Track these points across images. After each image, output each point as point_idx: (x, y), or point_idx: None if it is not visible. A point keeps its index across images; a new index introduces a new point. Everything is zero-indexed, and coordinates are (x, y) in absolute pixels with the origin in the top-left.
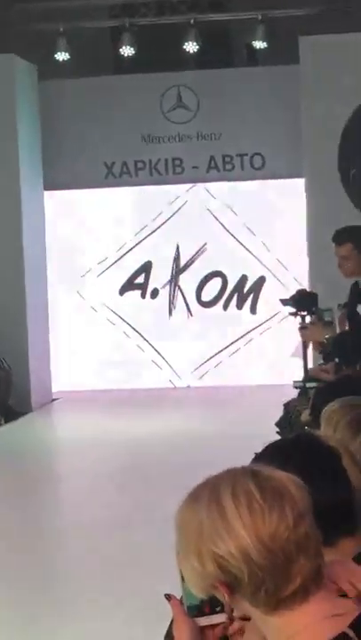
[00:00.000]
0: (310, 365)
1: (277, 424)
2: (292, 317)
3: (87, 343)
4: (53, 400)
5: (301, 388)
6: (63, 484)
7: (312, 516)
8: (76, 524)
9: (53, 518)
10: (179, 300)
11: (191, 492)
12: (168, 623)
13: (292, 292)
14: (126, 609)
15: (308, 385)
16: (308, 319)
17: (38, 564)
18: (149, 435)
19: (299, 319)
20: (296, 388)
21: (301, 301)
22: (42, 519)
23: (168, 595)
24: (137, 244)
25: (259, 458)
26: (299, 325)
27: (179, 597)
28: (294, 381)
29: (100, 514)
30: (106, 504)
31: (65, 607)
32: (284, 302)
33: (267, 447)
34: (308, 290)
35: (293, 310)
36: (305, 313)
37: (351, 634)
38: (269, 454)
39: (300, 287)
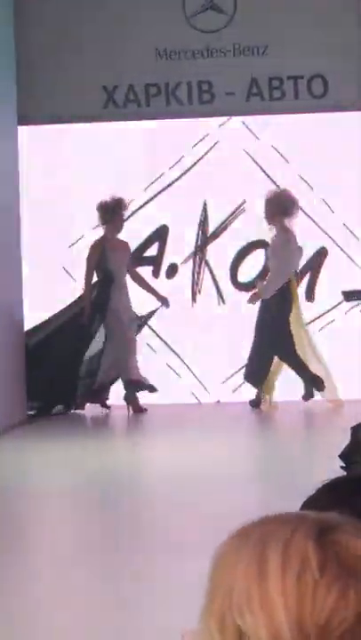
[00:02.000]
0: None
1: (342, 455)
2: None
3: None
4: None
5: None
6: (39, 542)
7: None
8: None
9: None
10: (206, 281)
11: (237, 531)
12: None
13: None
14: None
15: None
16: None
17: None
18: (162, 473)
19: None
20: None
21: None
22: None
23: None
24: (148, 202)
25: (307, 505)
26: None
27: None
28: None
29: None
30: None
31: None
32: (349, 296)
33: (320, 488)
34: None
35: None
36: None
37: None
38: (322, 499)
39: None
